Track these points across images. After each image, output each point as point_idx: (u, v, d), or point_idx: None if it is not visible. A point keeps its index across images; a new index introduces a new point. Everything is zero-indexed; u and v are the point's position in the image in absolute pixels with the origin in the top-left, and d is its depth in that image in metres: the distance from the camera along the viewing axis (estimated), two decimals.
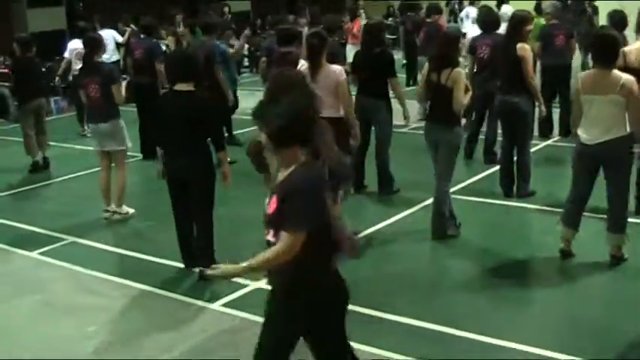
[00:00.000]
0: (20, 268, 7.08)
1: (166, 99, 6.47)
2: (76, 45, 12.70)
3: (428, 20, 13.00)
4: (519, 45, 8.04)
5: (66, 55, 13.34)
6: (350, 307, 5.62)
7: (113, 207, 8.22)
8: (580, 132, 6.37)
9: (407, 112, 8.47)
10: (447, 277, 6.62)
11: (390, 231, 7.63)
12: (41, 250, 7.39)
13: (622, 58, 7.02)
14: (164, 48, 16.85)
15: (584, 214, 6.60)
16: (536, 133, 9.82)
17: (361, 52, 8.62)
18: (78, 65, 12.41)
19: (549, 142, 10.73)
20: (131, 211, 8.31)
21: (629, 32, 8.74)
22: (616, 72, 6.13)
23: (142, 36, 11.79)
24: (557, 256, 6.62)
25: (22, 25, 16.56)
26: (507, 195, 8.45)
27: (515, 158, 8.40)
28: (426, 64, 7.43)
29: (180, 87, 6.30)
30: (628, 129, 6.19)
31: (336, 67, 7.36)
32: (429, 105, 7.42)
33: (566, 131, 10.18)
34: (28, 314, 6.05)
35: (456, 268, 6.78)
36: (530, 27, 8.27)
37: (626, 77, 6.11)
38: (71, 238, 7.71)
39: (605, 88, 6.11)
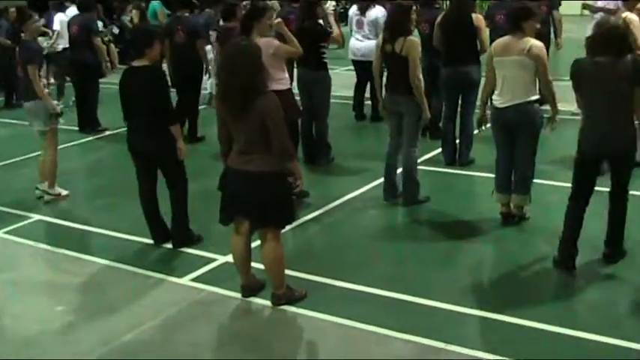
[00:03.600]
0: None
1: (124, 75, 6.43)
2: (63, 18, 13.02)
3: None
4: (475, 15, 8.38)
5: (56, 27, 13.32)
6: (316, 278, 5.80)
7: (45, 186, 8.11)
8: (494, 96, 6.65)
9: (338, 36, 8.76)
10: (407, 246, 6.66)
11: (360, 200, 7.71)
12: (7, 228, 7.31)
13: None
14: (128, 23, 16.92)
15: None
16: None
17: (297, 26, 8.62)
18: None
19: None
20: (64, 192, 8.16)
21: None
22: (528, 38, 6.39)
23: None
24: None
25: None
26: (449, 163, 8.67)
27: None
28: (380, 35, 7.49)
29: (137, 63, 6.31)
30: (537, 94, 6.49)
31: (265, 39, 7.15)
32: (387, 75, 7.48)
33: None
34: None
35: (415, 236, 6.87)
36: None
37: (535, 42, 6.39)
38: (37, 216, 7.64)
39: (513, 50, 6.42)
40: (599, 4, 10.45)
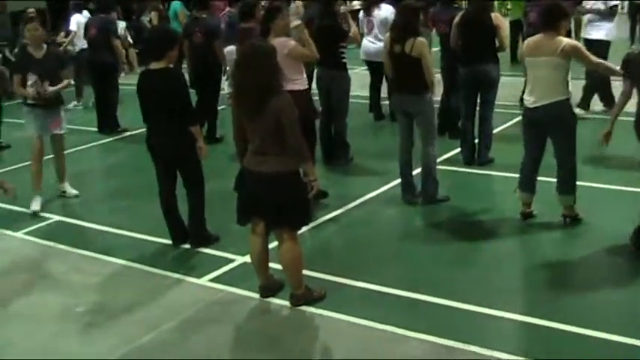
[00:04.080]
0: (6, 249, 7.03)
1: (142, 78, 6.43)
2: (80, 19, 13.17)
3: None
4: (494, 14, 8.38)
5: (72, 28, 13.43)
6: (334, 278, 5.78)
7: (64, 186, 8.33)
8: (525, 96, 6.64)
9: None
10: (425, 246, 6.63)
11: (379, 200, 7.69)
12: (27, 229, 7.35)
13: None
14: (147, 23, 17.03)
15: (544, 179, 6.81)
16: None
17: (315, 25, 8.62)
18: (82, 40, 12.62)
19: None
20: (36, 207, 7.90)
21: None
22: (560, 37, 6.33)
23: (101, 15, 11.81)
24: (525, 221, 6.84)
25: (1, 4, 16.27)
26: (468, 163, 8.62)
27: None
28: (387, 35, 7.47)
29: (155, 65, 6.29)
30: (568, 93, 6.47)
31: (281, 39, 7.11)
32: (394, 75, 7.45)
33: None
34: (15, 295, 6.02)
35: (433, 236, 6.86)
36: None
37: (567, 40, 6.35)
38: (56, 217, 7.68)
39: (545, 50, 6.37)
40: (588, 5, 10.44)
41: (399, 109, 7.43)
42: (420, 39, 7.05)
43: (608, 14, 10.23)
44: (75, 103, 13.52)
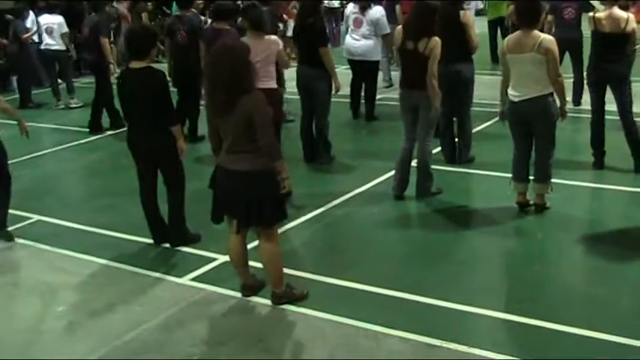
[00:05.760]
0: None
1: (123, 77, 6.42)
2: (44, 20, 13.18)
3: None
4: (462, 12, 8.24)
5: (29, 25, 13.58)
6: (316, 277, 5.79)
7: None
8: (509, 91, 6.77)
9: (337, 83, 8.59)
10: (407, 244, 6.70)
11: (361, 198, 7.72)
12: (7, 229, 7.28)
13: (592, 23, 7.79)
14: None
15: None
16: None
17: (297, 23, 8.63)
18: (48, 40, 12.84)
19: None
20: None
21: None
22: (537, 32, 6.50)
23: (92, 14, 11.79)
24: (510, 216, 6.96)
25: None
26: (450, 161, 8.63)
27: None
28: (398, 29, 7.46)
29: (137, 64, 6.26)
30: (550, 88, 6.57)
31: (273, 37, 7.43)
32: (402, 71, 7.49)
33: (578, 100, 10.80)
34: None
35: (415, 234, 6.93)
36: None
37: (545, 37, 6.51)
38: (37, 217, 7.63)
39: (524, 46, 6.52)
40: None
41: (405, 105, 7.44)
42: (435, 38, 7.08)
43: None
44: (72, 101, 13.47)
